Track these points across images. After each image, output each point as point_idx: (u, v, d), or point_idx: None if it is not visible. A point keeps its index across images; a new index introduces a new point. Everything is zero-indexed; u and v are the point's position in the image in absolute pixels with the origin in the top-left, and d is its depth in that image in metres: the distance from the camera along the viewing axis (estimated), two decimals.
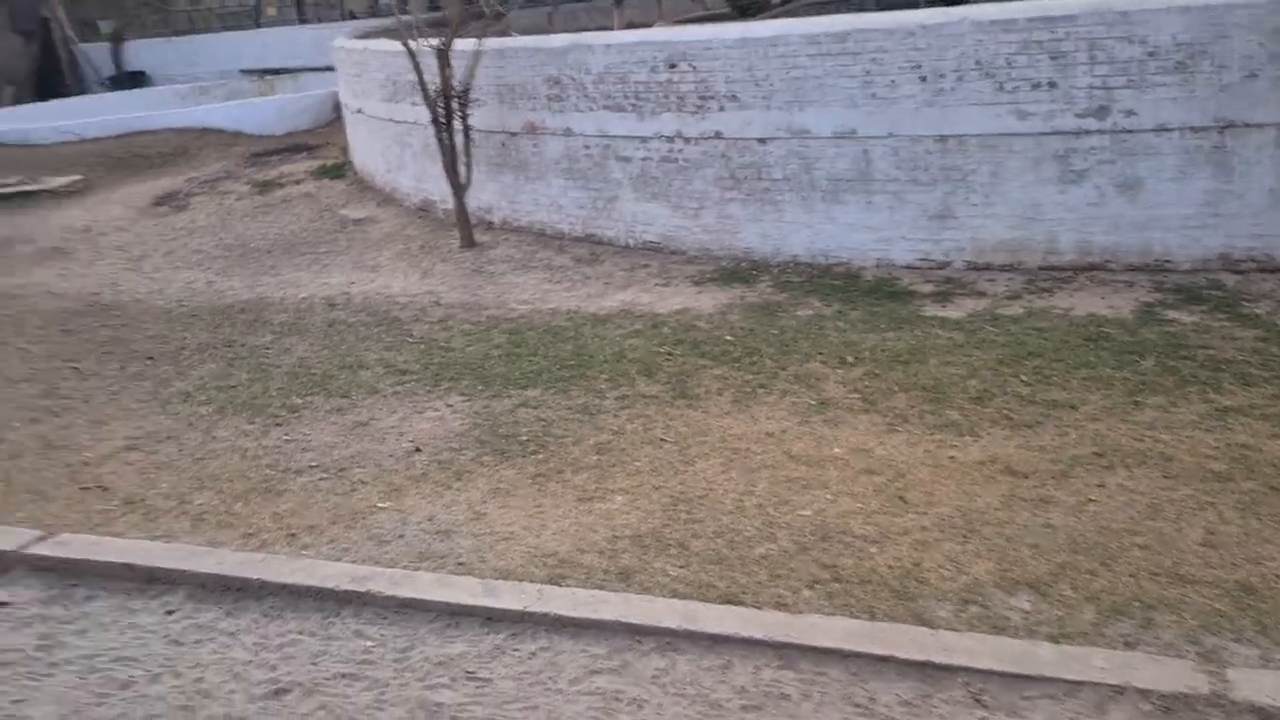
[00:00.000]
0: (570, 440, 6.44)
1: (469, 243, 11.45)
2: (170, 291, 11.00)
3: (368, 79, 14.10)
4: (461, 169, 11.25)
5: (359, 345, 8.69)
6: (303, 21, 44.23)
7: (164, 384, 8.18)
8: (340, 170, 16.70)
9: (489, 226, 11.96)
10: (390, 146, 13.76)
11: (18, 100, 28.38)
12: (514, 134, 11.43)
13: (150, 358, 8.85)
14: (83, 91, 30.94)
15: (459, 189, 11.32)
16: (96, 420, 7.52)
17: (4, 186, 17.06)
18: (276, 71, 29.19)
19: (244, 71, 29.57)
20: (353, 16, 40.73)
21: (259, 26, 44.49)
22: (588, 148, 10.70)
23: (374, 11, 39.37)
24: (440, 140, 11.14)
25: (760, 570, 4.68)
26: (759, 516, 5.21)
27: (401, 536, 5.40)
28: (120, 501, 6.14)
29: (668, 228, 10.28)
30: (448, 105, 10.99)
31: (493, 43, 10.94)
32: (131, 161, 18.68)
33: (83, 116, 21.77)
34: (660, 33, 10.27)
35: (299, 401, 7.56)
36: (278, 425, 7.19)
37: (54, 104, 26.66)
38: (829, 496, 5.35)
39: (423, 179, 13.13)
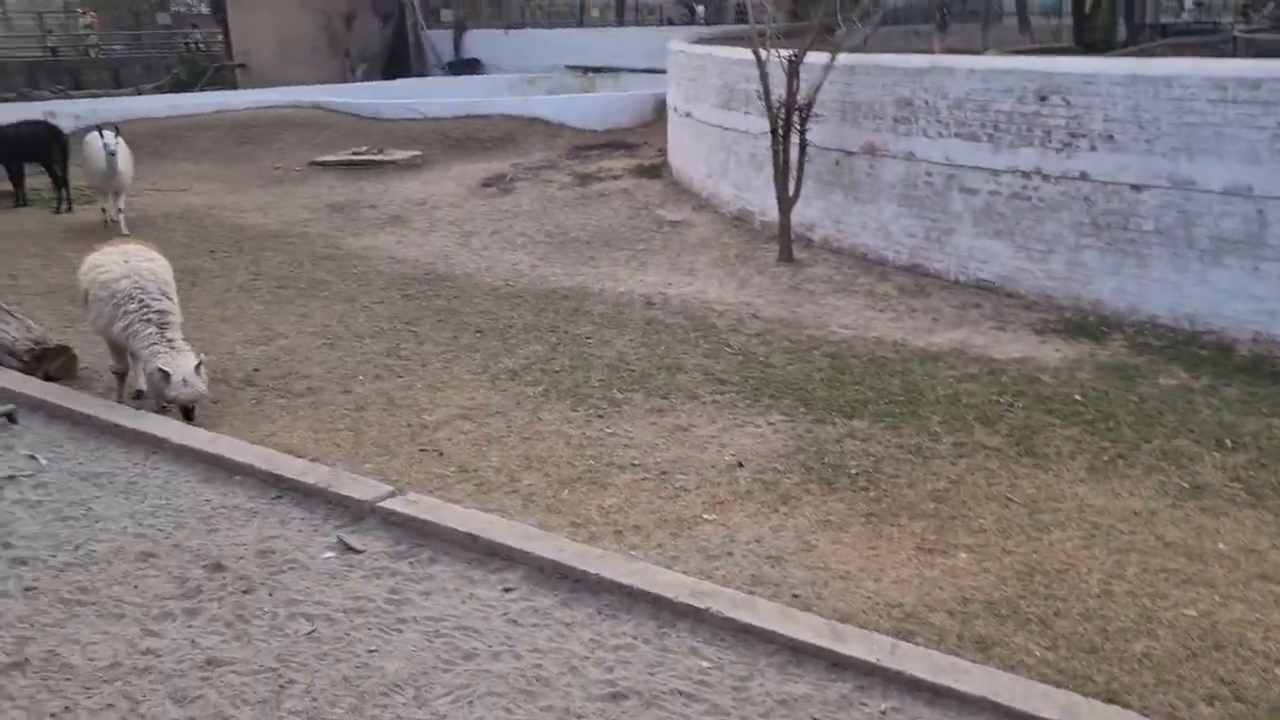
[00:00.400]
0: (904, 482, 6.05)
1: (787, 257, 11.24)
2: (498, 270, 11.45)
3: (702, 84, 14.21)
4: (791, 183, 11.06)
5: (676, 347, 8.65)
6: (621, 23, 45.81)
7: (493, 359, 8.45)
8: (657, 170, 16.98)
9: (807, 244, 11.71)
10: (715, 152, 13.79)
11: (369, 76, 30.97)
12: (850, 153, 11.11)
13: (480, 331, 9.20)
14: (423, 73, 33.33)
15: (786, 203, 11.14)
16: (432, 385, 7.85)
17: (355, 154, 18.52)
18: (599, 69, 30.27)
19: (569, 67, 30.85)
20: (670, 23, 41.75)
21: (581, 25, 46.46)
22: (929, 175, 10.22)
23: (691, 19, 40.16)
24: (775, 152, 11.00)
25: (1144, 671, 4.14)
26: (1133, 607, 4.64)
27: (730, 554, 5.22)
28: (456, 468, 6.32)
29: (1007, 268, 9.64)
30: (788, 118, 10.83)
31: (845, 58, 10.66)
32: (465, 143, 19.83)
33: (426, 96, 23.38)
34: (1033, 61, 9.64)
35: (619, 396, 7.59)
36: (599, 417, 7.22)
37: (400, 83, 28.84)
38: (1216, 598, 4.70)
39: (743, 188, 13.07)
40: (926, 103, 10.05)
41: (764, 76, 10.91)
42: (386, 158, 18.32)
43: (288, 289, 10.68)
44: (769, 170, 12.40)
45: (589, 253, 12.21)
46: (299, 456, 6.29)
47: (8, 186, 15.64)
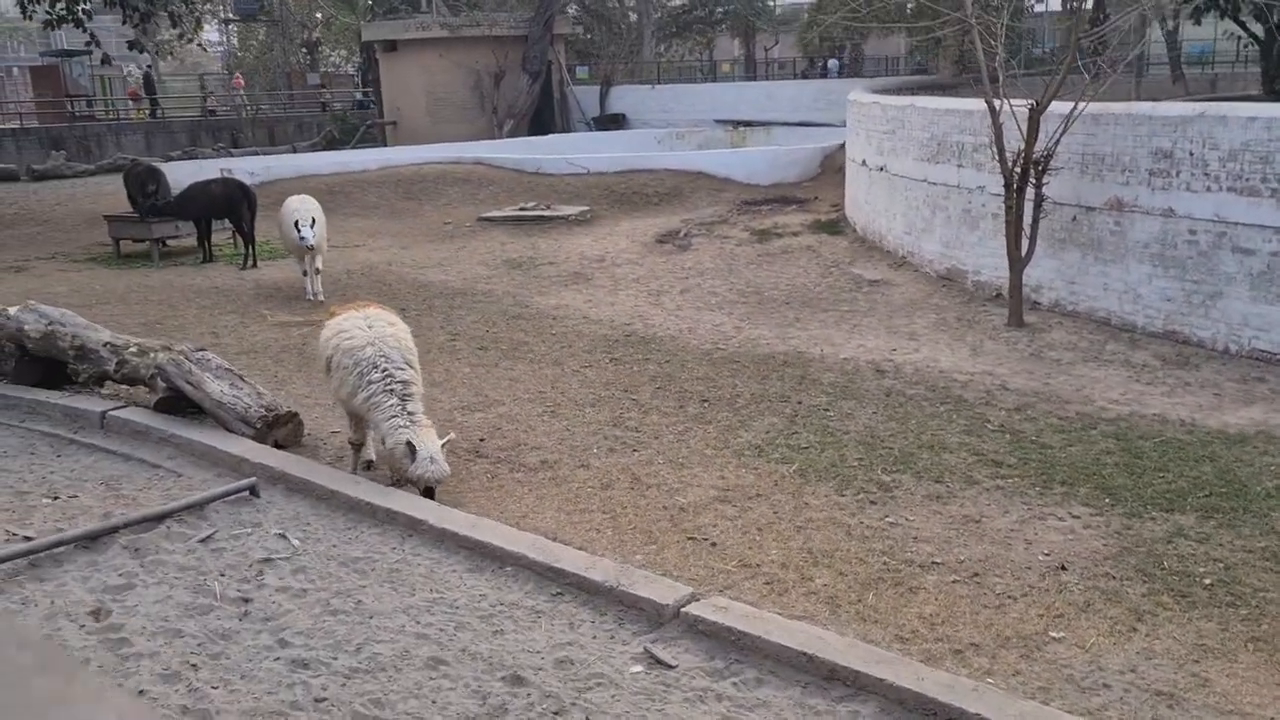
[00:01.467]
0: (1275, 596, 5.14)
1: (1018, 322, 10.37)
2: (701, 332, 10.87)
3: (902, 136, 13.49)
4: (1025, 241, 10.22)
5: (929, 423, 7.87)
6: (750, 78, 45.51)
7: (729, 432, 7.81)
8: (836, 226, 16.29)
9: (1034, 306, 10.81)
10: (917, 209, 13.03)
11: (515, 132, 31.23)
12: (1090, 209, 10.22)
13: (705, 400, 8.58)
14: (568, 129, 33.51)
15: (1018, 262, 10.29)
16: (674, 461, 7.24)
17: (523, 210, 18.34)
18: (749, 123, 29.84)
19: (718, 121, 30.55)
20: (804, 76, 41.29)
21: (715, 79, 46.31)
22: (1193, 233, 9.26)
23: (824, 73, 39.58)
24: (1008, 208, 10.20)
25: None
26: None
27: (1107, 686, 4.39)
28: (736, 563, 5.65)
29: None
30: (1025, 171, 10.02)
31: (1093, 107, 9.83)
32: (631, 198, 19.51)
33: (580, 151, 23.23)
34: None
35: (886, 478, 6.84)
36: (871, 503, 6.48)
37: (552, 138, 28.94)
38: None
39: (953, 245, 12.26)
40: (1191, 154, 9.13)
41: (997, 127, 10.14)
42: (555, 213, 18.09)
43: (489, 350, 10.27)
44: (986, 226, 11.60)
45: (791, 314, 11.55)
46: (558, 542, 5.71)
47: (192, 242, 15.86)
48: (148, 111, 38.27)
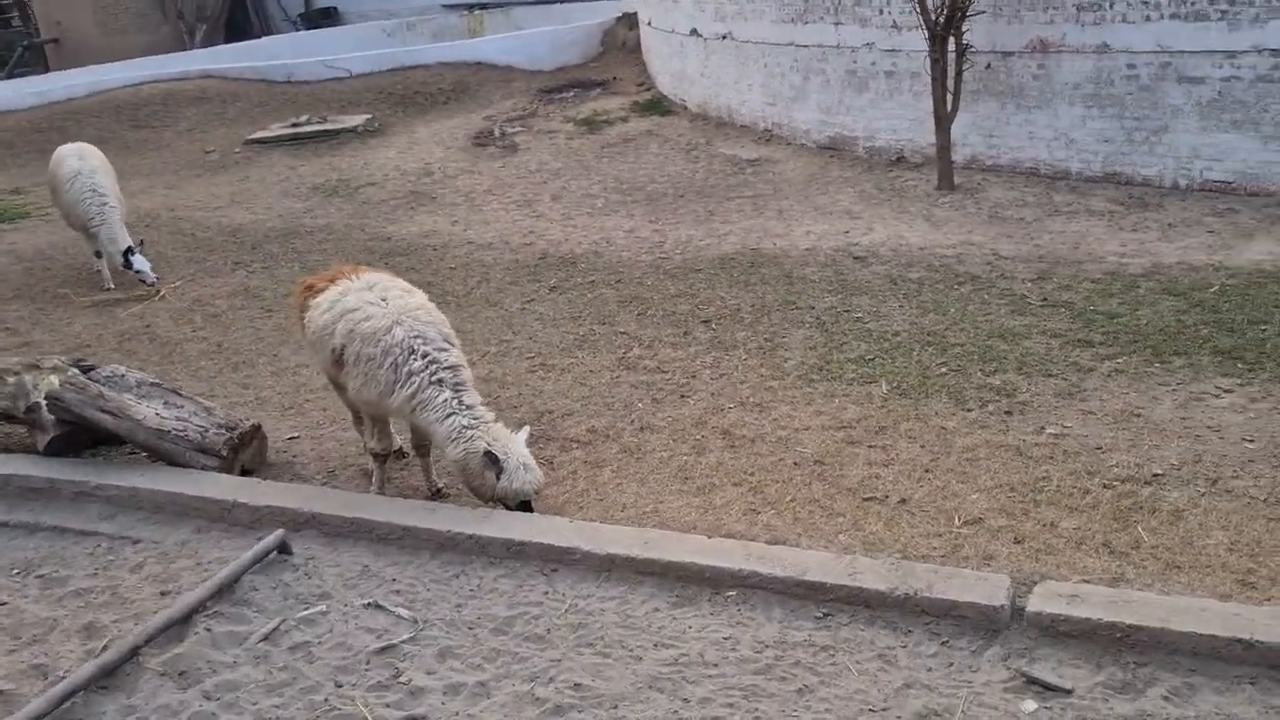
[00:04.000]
0: None
1: (949, 185, 9.79)
2: (619, 241, 9.53)
3: None
4: (949, 98, 9.58)
5: (966, 309, 7.11)
6: None
7: (769, 355, 6.69)
8: (660, 106, 15.10)
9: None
10: (783, 76, 12.09)
11: (210, 40, 27.28)
12: (1008, 54, 9.70)
13: (707, 321, 7.39)
14: (269, 31, 29.74)
15: (944, 121, 9.66)
16: (746, 403, 6.05)
17: (299, 125, 15.82)
18: (484, 5, 27.64)
19: (446, 6, 28.07)
20: None
21: None
22: (1132, 67, 8.93)
23: None
24: (934, 62, 9.47)
25: None
26: None
27: None
28: (961, 522, 4.65)
29: (1250, 164, 8.52)
30: (950, 19, 9.30)
31: None
32: (414, 99, 17.31)
33: (305, 55, 20.28)
34: None
35: (994, 381, 6.02)
36: (1008, 414, 5.65)
37: (267, 40, 25.45)
38: None
39: (834, 112, 11.48)
40: None
41: None
42: (336, 125, 15.67)
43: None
44: (877, 87, 10.89)
45: (696, 207, 10.41)
46: (761, 541, 4.48)
47: None
48: None
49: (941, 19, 9.29)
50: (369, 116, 16.14)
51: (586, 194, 11.40)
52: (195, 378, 7.04)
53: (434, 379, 4.81)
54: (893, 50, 10.52)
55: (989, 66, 9.82)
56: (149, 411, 5.21)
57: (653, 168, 12.14)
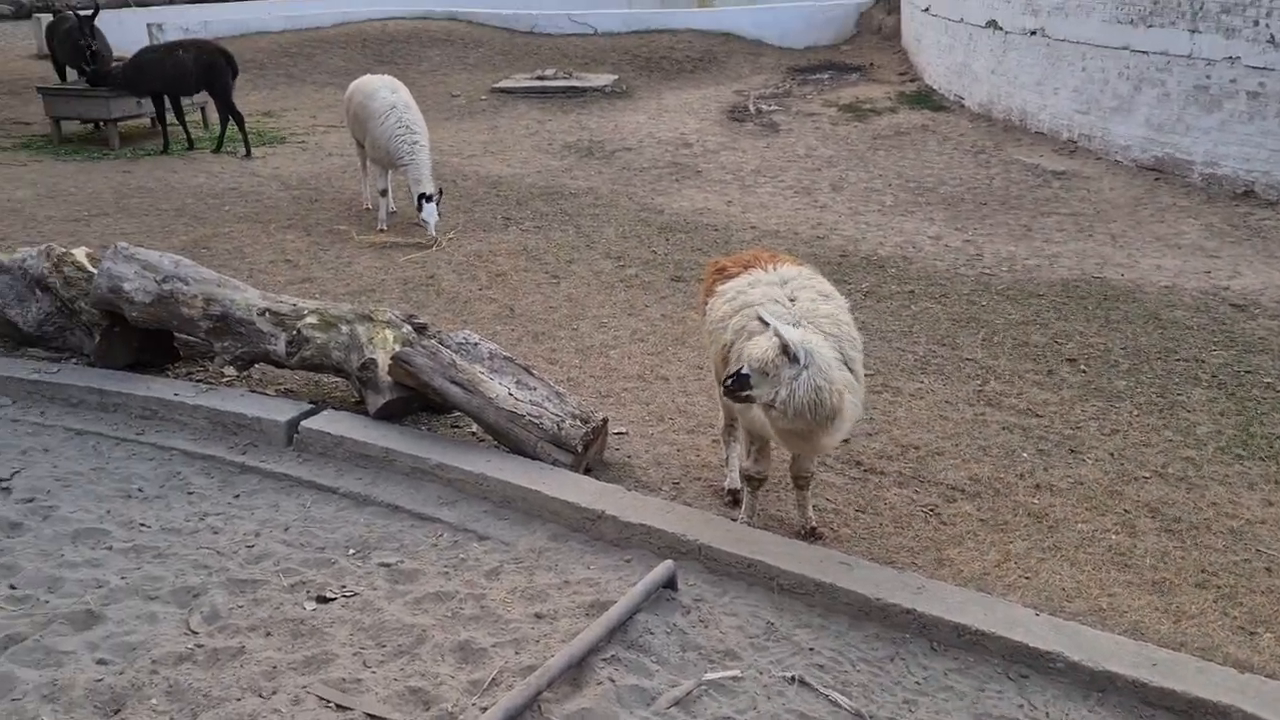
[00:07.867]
0: None
1: None
2: (925, 247, 8.53)
3: None
4: None
5: None
6: None
7: (1169, 415, 5.60)
8: (929, 100, 13.97)
9: None
10: (1107, 83, 10.80)
11: None
12: None
13: (1072, 360, 6.35)
14: None
15: None
16: (1163, 475, 5.01)
17: (545, 79, 15.27)
18: None
19: None
20: None
21: None
22: None
23: None
24: None
25: None
26: None
27: None
28: None
29: None
30: None
31: None
32: (660, 64, 16.60)
33: (536, 6, 19.69)
34: None
35: None
36: None
37: None
38: None
39: (1168, 130, 10.16)
40: None
41: None
42: (583, 83, 15.07)
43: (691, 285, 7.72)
44: (1233, 108, 9.53)
45: (1004, 218, 9.31)
46: (1228, 666, 3.50)
47: (135, 124, 12.32)
48: None
49: None
50: (615, 77, 15.50)
51: (870, 188, 10.41)
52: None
53: None
54: (1264, 68, 9.16)
55: None
56: (501, 390, 4.52)
57: (940, 168, 11.06)
